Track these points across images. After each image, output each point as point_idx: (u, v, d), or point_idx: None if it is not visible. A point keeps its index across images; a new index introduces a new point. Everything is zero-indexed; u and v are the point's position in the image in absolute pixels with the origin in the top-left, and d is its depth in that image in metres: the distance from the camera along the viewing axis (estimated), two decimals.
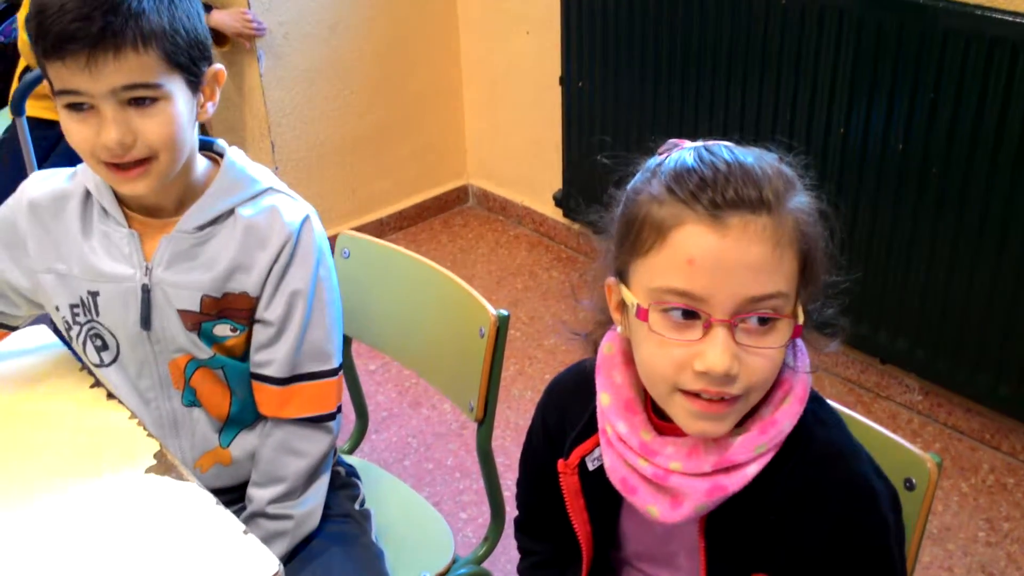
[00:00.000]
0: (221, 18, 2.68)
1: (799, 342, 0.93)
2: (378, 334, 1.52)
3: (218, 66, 1.18)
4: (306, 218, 1.23)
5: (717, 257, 0.82)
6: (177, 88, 1.11)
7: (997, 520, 2.02)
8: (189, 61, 1.12)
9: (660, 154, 0.92)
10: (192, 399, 1.27)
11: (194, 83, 1.14)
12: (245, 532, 1.02)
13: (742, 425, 0.90)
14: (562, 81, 2.80)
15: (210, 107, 1.18)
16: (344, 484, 1.37)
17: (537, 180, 3.09)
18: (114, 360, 1.25)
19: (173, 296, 1.20)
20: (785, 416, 0.89)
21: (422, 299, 1.44)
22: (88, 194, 1.21)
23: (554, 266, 3.01)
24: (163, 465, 1.12)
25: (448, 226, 3.29)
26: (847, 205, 2.18)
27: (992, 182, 1.94)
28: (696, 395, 0.86)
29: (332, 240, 1.57)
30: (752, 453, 0.89)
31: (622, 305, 0.92)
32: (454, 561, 1.38)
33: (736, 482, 0.89)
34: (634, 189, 0.90)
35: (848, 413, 1.06)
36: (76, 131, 1.10)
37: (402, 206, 3.24)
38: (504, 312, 1.30)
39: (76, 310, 1.24)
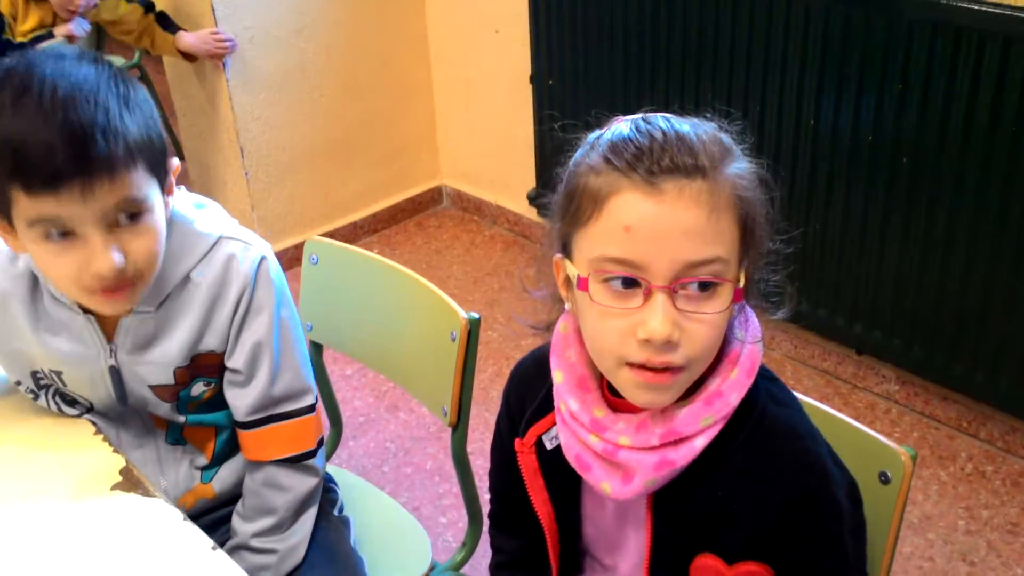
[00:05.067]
0: (190, 41, 2.70)
1: (749, 312, 0.93)
2: (349, 340, 1.50)
3: (176, 162, 1.13)
4: (260, 262, 1.18)
5: (653, 223, 0.83)
6: (155, 198, 1.06)
7: (976, 508, 2.03)
8: (162, 162, 1.08)
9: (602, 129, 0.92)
10: (177, 437, 1.26)
11: (163, 185, 1.09)
12: (214, 548, 1.00)
13: (688, 397, 0.90)
14: (533, 79, 2.79)
15: (170, 201, 1.12)
16: (323, 489, 1.36)
17: (511, 179, 3.08)
18: (88, 411, 1.24)
19: (144, 374, 1.18)
20: (732, 388, 0.89)
21: (392, 303, 1.42)
22: (35, 278, 1.15)
23: (530, 265, 2.98)
24: (129, 481, 1.10)
25: (423, 228, 3.27)
26: (818, 197, 2.18)
27: (962, 171, 1.94)
28: (642, 367, 0.86)
29: (299, 247, 1.55)
30: (698, 425, 0.88)
31: (568, 281, 0.92)
32: (432, 567, 1.36)
33: (684, 455, 0.88)
34: (575, 162, 0.91)
35: (821, 407, 1.05)
36: (56, 263, 1.03)
37: (376, 208, 3.22)
38: (475, 315, 1.29)
39: (39, 375, 1.21)
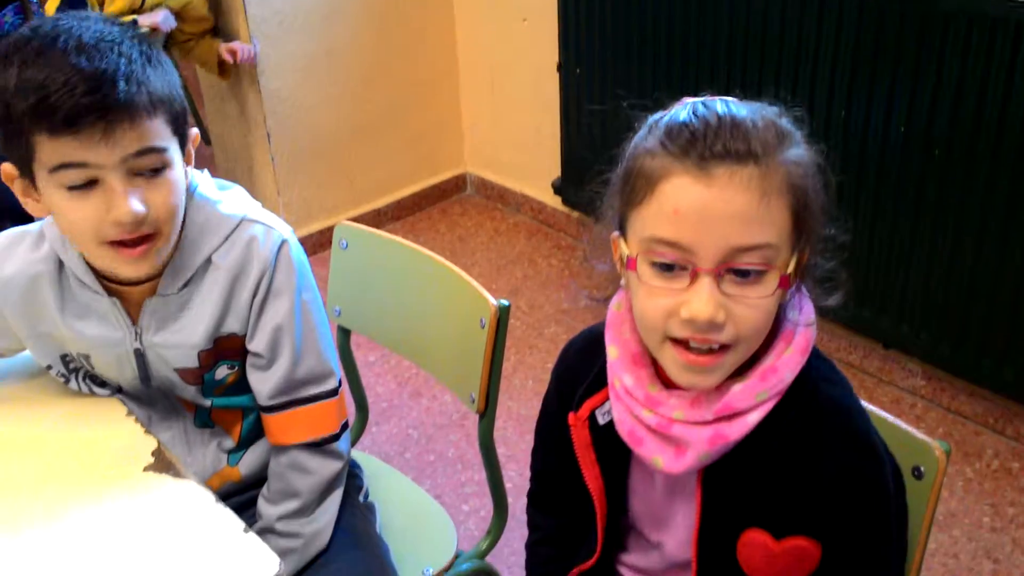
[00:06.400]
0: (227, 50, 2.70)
1: (804, 294, 0.94)
2: (377, 326, 1.51)
3: (194, 130, 1.15)
4: (281, 245, 1.18)
5: (702, 207, 0.84)
6: (176, 154, 1.08)
7: (1002, 505, 2.01)
8: (183, 123, 1.10)
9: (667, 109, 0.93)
10: (205, 419, 1.27)
11: (183, 148, 1.11)
12: (245, 531, 1.01)
13: (742, 374, 0.91)
14: (560, 68, 2.78)
15: (188, 171, 1.14)
16: (348, 475, 1.36)
17: (535, 168, 3.07)
18: (118, 391, 1.25)
19: (169, 357, 1.19)
20: (786, 365, 0.90)
21: (421, 290, 1.42)
22: (61, 263, 1.16)
23: (553, 254, 2.99)
24: (161, 463, 1.11)
25: (446, 215, 3.27)
26: (849, 188, 2.16)
27: (995, 164, 1.92)
28: (685, 345, 0.88)
29: (328, 233, 1.55)
30: (753, 400, 0.89)
31: (623, 259, 0.94)
32: (457, 555, 1.37)
33: (737, 430, 0.89)
34: (634, 144, 0.92)
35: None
36: (78, 211, 1.04)
37: (400, 195, 3.22)
38: (505, 302, 1.28)
39: (67, 358, 1.22)
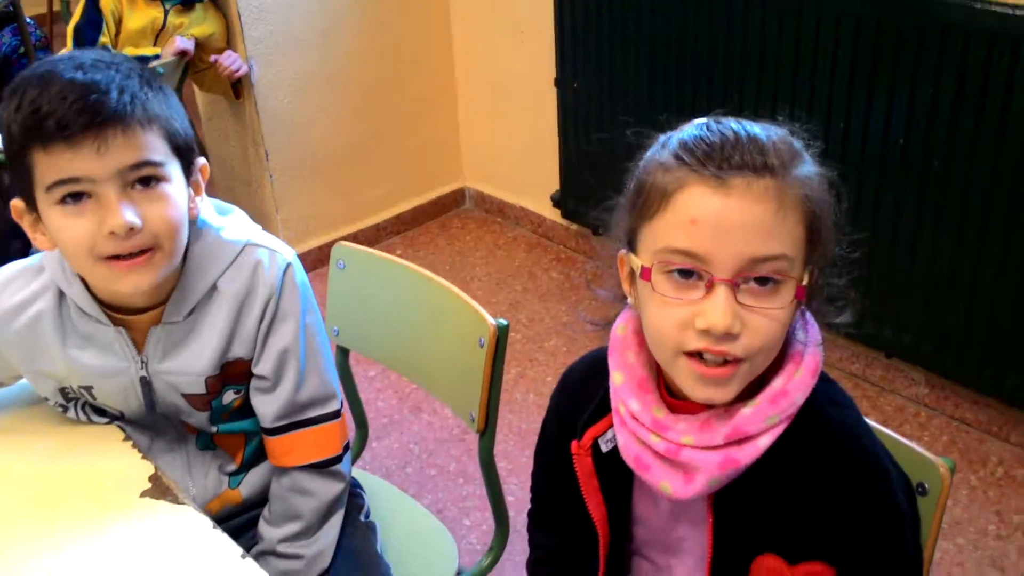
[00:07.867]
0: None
1: (808, 317, 0.93)
2: (376, 345, 1.50)
3: (203, 160, 1.15)
4: (286, 268, 1.19)
5: (719, 216, 0.84)
6: (176, 173, 1.08)
7: (1007, 513, 2.00)
8: (185, 148, 1.10)
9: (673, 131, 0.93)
10: (207, 442, 1.26)
11: (188, 173, 1.11)
12: (243, 556, 1.00)
13: (753, 397, 0.90)
14: (557, 83, 2.78)
15: (199, 202, 1.14)
16: (349, 495, 1.36)
17: (534, 181, 3.07)
18: (118, 418, 1.24)
19: (177, 384, 1.18)
20: (796, 388, 0.89)
21: (420, 309, 1.42)
22: (61, 293, 1.15)
23: (553, 267, 2.99)
24: (159, 488, 1.10)
25: (446, 229, 3.27)
26: (849, 199, 2.15)
27: (995, 174, 1.92)
28: (700, 358, 0.87)
29: (327, 249, 1.55)
30: (763, 424, 0.88)
31: (631, 276, 0.93)
32: (459, 573, 1.36)
33: (748, 454, 0.89)
34: (645, 160, 0.92)
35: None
36: (72, 226, 1.03)
37: (399, 210, 3.22)
38: (503, 322, 1.28)
39: (67, 391, 1.21)
